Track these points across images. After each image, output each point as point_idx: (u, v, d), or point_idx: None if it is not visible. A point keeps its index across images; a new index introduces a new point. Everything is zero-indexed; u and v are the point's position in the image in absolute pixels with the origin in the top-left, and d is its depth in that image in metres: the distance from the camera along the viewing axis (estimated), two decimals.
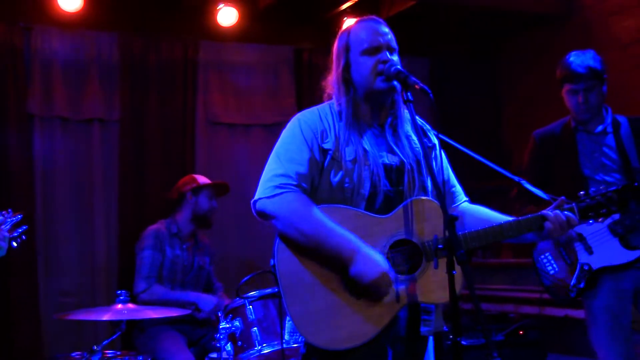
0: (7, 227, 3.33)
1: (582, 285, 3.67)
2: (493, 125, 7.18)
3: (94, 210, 5.49)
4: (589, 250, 3.60)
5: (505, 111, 7.17)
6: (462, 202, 2.76)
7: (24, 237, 3.41)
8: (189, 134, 5.88)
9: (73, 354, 4.06)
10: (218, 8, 5.65)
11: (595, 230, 3.56)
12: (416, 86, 2.46)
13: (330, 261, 2.41)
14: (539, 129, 3.93)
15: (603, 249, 3.56)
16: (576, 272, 3.66)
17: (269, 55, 6.21)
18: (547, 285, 3.91)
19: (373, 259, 2.37)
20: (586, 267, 3.63)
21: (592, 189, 2.62)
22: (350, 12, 5.95)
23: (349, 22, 2.78)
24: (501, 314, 5.56)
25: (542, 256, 3.86)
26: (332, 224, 2.40)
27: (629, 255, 3.49)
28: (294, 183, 2.46)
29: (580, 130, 3.68)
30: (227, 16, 5.69)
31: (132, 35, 5.70)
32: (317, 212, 2.41)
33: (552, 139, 3.78)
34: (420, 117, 2.69)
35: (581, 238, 3.61)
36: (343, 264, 2.38)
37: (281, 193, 2.45)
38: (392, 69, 2.54)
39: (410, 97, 2.49)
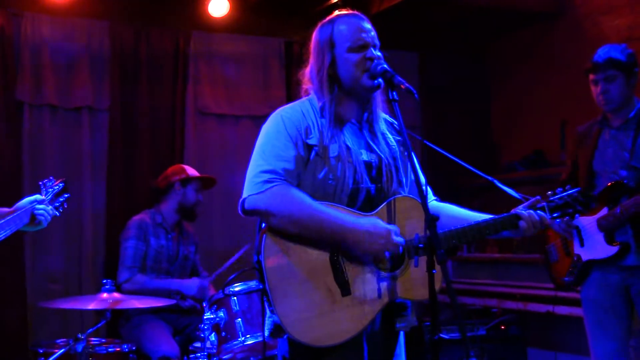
0: (49, 197, 3.23)
1: (570, 279, 3.74)
2: (482, 121, 7.23)
3: (82, 198, 5.48)
4: (582, 242, 3.67)
5: (494, 107, 7.22)
6: (431, 201, 2.80)
7: (65, 204, 3.32)
8: (178, 123, 5.89)
9: (58, 341, 4.10)
10: None
11: (587, 223, 3.64)
12: (402, 86, 2.47)
13: (328, 245, 2.43)
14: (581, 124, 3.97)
15: (591, 242, 3.63)
16: (571, 264, 3.74)
17: (260, 47, 6.22)
18: (550, 275, 3.98)
19: (374, 228, 2.41)
20: (575, 258, 3.71)
21: (559, 189, 2.66)
22: (342, 5, 5.95)
23: (332, 16, 2.73)
24: (484, 308, 5.62)
25: (548, 245, 3.94)
26: (326, 208, 2.42)
27: (608, 251, 3.55)
28: (282, 177, 2.46)
29: (605, 125, 3.72)
30: (218, 7, 5.70)
31: (123, 25, 5.70)
32: (310, 200, 2.43)
33: (585, 133, 3.83)
34: (391, 116, 2.75)
35: (578, 230, 3.68)
36: (346, 244, 2.42)
37: (271, 187, 2.44)
38: (379, 67, 2.55)
39: (395, 97, 2.51)
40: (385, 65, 2.56)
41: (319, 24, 2.69)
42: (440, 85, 6.93)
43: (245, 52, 6.17)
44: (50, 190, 3.24)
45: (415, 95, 2.44)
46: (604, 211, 3.56)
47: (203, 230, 5.63)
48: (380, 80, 2.56)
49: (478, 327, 5.07)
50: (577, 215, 2.64)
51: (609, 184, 3.55)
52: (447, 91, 6.96)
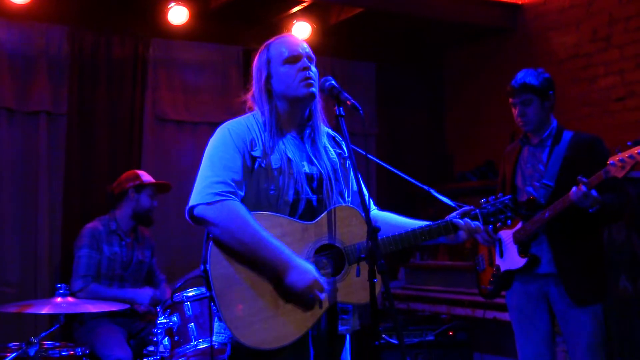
0: None
1: (490, 288, 3.95)
2: (436, 131, 7.39)
3: (39, 203, 5.47)
4: (501, 254, 3.88)
5: (448, 117, 7.39)
6: (372, 210, 2.93)
7: None
8: (136, 129, 5.92)
9: (10, 345, 4.10)
10: (169, 7, 5.69)
11: (506, 236, 3.86)
12: (348, 102, 2.62)
13: (264, 268, 2.55)
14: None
15: (508, 253, 3.84)
16: (492, 273, 3.95)
17: (219, 54, 6.29)
18: (476, 284, 4.17)
19: (305, 269, 2.53)
20: (495, 268, 3.91)
21: (492, 197, 2.84)
22: (300, 15, 6.07)
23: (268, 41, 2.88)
24: (434, 314, 5.77)
25: (477, 255, 4.13)
26: (267, 235, 2.53)
27: (519, 262, 3.76)
28: (232, 190, 2.57)
29: (525, 143, 3.91)
30: (177, 15, 5.73)
31: (83, 30, 5.72)
32: (254, 222, 2.54)
33: (510, 151, 4.03)
34: (333, 130, 2.88)
35: (500, 242, 3.89)
36: (277, 273, 2.53)
37: (221, 200, 2.55)
38: (327, 84, 2.70)
39: (342, 112, 2.64)
40: (332, 82, 2.71)
41: (258, 51, 2.82)
42: (396, 95, 7.09)
43: (204, 60, 6.23)
44: None
45: (360, 111, 2.58)
46: (519, 225, 3.76)
47: (160, 233, 5.66)
48: (313, 90, 2.70)
49: (427, 333, 5.21)
50: (509, 221, 2.81)
51: (525, 199, 3.76)
52: (403, 101, 7.12)
